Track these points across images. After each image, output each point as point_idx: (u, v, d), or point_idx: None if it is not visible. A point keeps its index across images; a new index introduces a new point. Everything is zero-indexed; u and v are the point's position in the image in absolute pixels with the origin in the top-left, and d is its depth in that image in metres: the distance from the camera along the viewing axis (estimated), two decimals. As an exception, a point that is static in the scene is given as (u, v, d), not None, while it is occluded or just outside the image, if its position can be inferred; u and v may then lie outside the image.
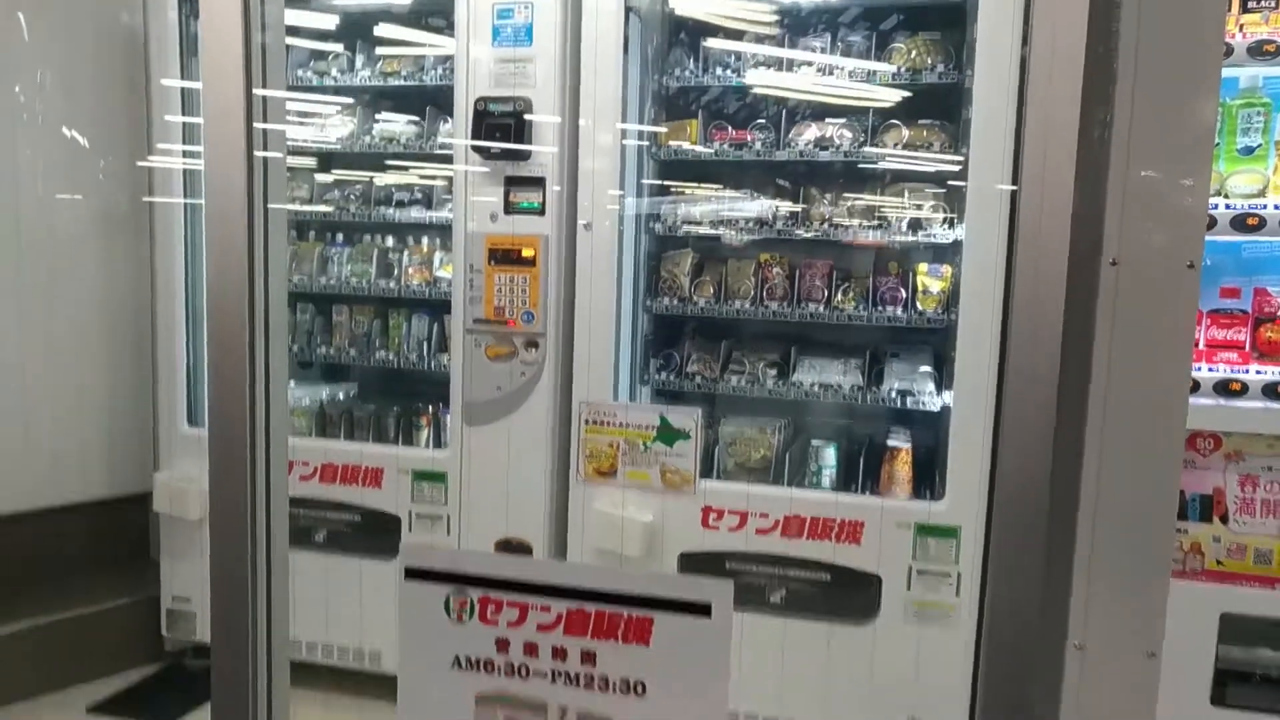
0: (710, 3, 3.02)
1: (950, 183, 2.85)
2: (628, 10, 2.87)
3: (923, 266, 2.89)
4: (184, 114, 3.29)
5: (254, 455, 1.66)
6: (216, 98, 1.42)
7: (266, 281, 1.60)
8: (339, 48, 3.41)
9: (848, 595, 2.75)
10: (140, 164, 3.53)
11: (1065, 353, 1.11)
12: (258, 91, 1.44)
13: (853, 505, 2.75)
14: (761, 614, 2.75)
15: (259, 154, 1.47)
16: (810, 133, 2.97)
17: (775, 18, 3.03)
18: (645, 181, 3.12)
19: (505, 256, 2.97)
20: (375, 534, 3.15)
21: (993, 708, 1.14)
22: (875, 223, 2.92)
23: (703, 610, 1.25)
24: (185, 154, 3.31)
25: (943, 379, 2.90)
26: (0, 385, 3.35)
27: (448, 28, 3.10)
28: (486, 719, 1.32)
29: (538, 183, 2.94)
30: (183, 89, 3.27)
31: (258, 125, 1.46)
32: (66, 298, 3.52)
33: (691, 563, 2.82)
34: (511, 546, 3.00)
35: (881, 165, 2.96)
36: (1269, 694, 2.68)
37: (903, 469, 2.84)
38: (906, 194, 2.95)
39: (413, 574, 1.35)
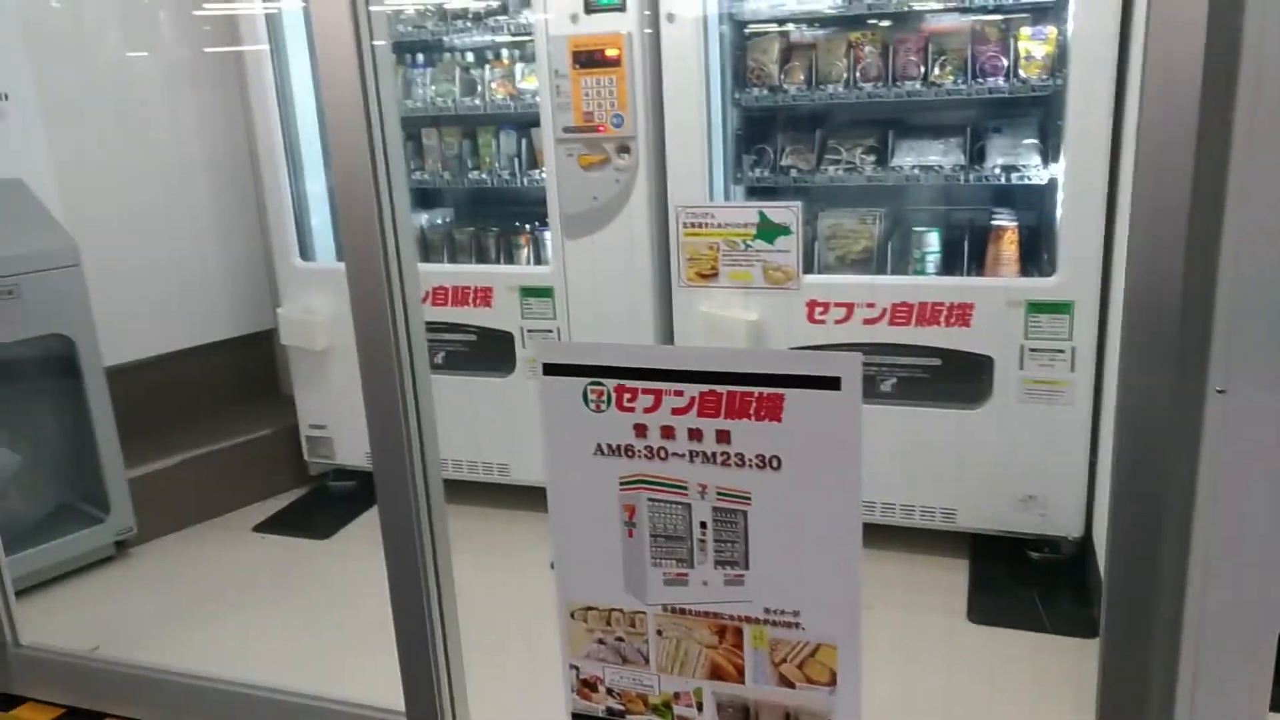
0: None
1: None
2: None
3: (1025, 30, 2.73)
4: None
5: (390, 280, 1.72)
6: None
7: (381, 108, 1.62)
8: None
9: (960, 378, 2.77)
10: (196, 13, 3.53)
11: (1203, 112, 1.05)
12: None
13: (961, 287, 2.73)
14: (875, 403, 2.80)
15: None
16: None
17: None
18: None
19: (590, 59, 2.90)
20: (490, 352, 3.27)
21: (1127, 455, 1.16)
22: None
23: (832, 384, 1.29)
24: None
25: (1049, 150, 2.78)
26: (122, 240, 3.49)
27: None
28: (630, 500, 1.40)
29: (617, -25, 2.83)
30: None
31: None
32: (169, 153, 3.62)
33: (799, 356, 2.85)
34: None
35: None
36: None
37: (1009, 249, 2.78)
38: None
39: (551, 369, 1.41)
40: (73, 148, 3.34)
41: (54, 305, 2.98)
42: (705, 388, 1.34)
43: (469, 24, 3.31)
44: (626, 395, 1.37)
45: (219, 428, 3.66)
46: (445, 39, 3.41)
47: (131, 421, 3.24)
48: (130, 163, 3.52)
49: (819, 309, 2.83)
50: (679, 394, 1.35)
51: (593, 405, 1.39)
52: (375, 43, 1.62)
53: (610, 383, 1.38)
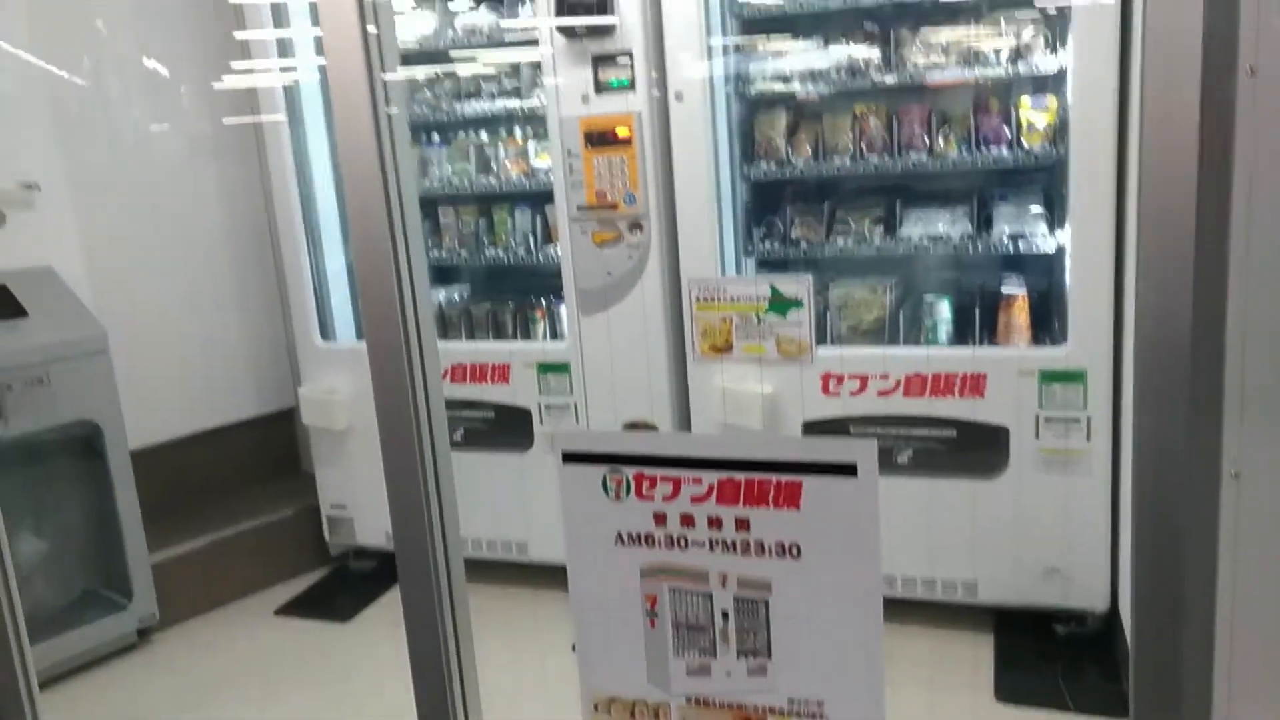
0: None
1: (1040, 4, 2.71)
2: None
3: (1025, 100, 2.78)
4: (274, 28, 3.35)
5: (410, 359, 1.75)
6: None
7: (400, 187, 1.66)
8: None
9: (976, 449, 2.77)
10: (217, 86, 3.63)
11: (1202, 175, 1.08)
12: None
13: (974, 357, 2.74)
14: (892, 475, 2.80)
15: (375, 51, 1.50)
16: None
17: None
18: (730, 40, 3.05)
19: (601, 138, 2.97)
20: (508, 428, 3.30)
21: (1145, 544, 1.16)
22: (972, 58, 2.81)
23: (848, 470, 1.30)
24: (282, 69, 3.39)
25: (1054, 218, 2.82)
26: (148, 321, 3.56)
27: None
28: (652, 590, 1.41)
29: (625, 57, 2.91)
30: (272, 4, 3.32)
31: (371, 29, 1.49)
32: (192, 227, 3.69)
33: (816, 430, 2.87)
34: (639, 428, 3.10)
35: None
36: None
37: (1020, 316, 2.80)
38: (1003, 23, 2.82)
39: (570, 458, 1.43)
40: (101, 231, 3.43)
41: (82, 392, 3.03)
42: (724, 475, 1.35)
43: (483, 103, 3.39)
44: (646, 483, 1.39)
45: (241, 508, 3.68)
46: (460, 118, 3.50)
47: (153, 503, 3.28)
48: (155, 240, 3.60)
49: (833, 381, 2.84)
50: (697, 481, 1.37)
51: (612, 494, 1.41)
52: (391, 110, 1.64)
53: (629, 470, 1.40)
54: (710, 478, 1.35)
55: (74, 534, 3.22)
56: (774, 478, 1.32)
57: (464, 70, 3.45)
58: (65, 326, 3.07)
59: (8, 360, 2.91)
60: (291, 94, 3.44)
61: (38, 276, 3.17)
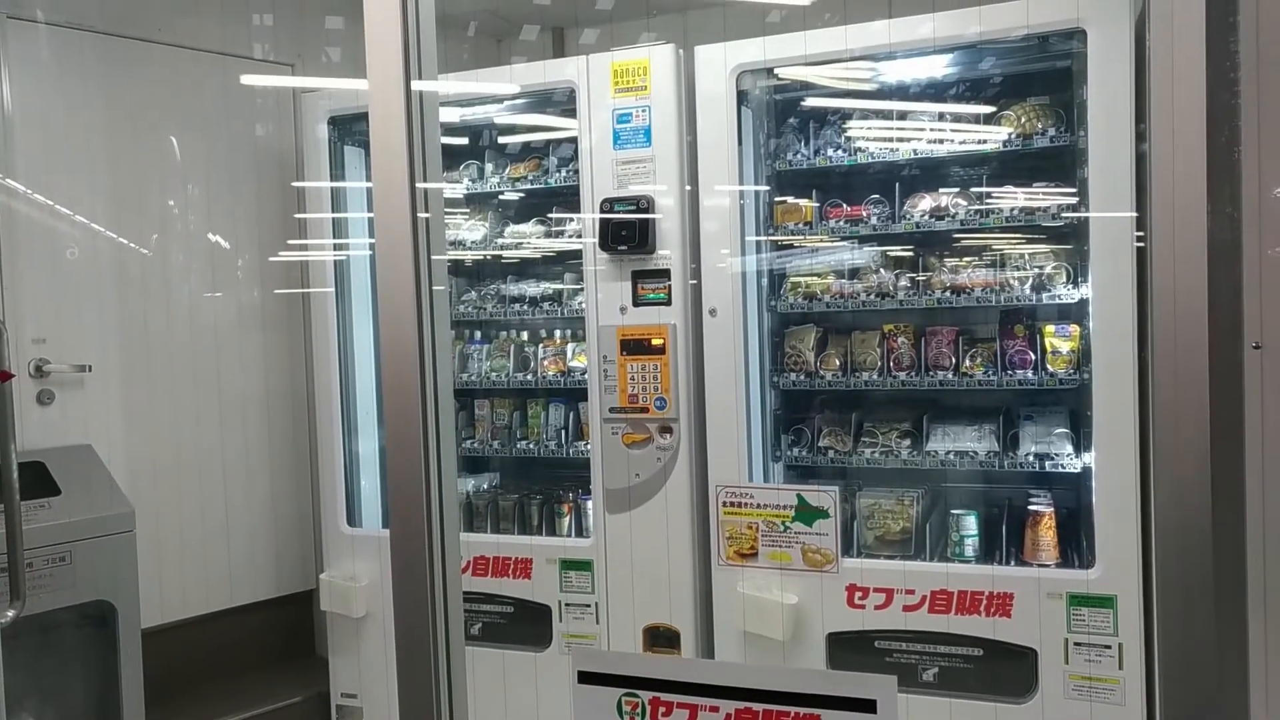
0: (815, 90, 3.11)
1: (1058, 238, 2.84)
2: (739, 104, 2.99)
3: (1049, 327, 2.87)
4: (332, 211, 3.58)
5: (432, 552, 1.77)
6: (385, 191, 1.58)
7: (436, 381, 1.73)
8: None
9: (1003, 671, 2.70)
10: (271, 259, 3.82)
11: (1215, 444, 1.12)
12: (420, 185, 1.59)
13: (1000, 576, 2.72)
14: (916, 693, 2.72)
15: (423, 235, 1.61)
16: (925, 204, 3.01)
17: (877, 89, 3.09)
18: (764, 260, 3.20)
19: (636, 346, 3.08)
20: (527, 624, 3.26)
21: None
22: (998, 286, 2.92)
23: (867, 706, 1.29)
24: (336, 247, 3.59)
25: (1080, 439, 2.85)
26: (177, 497, 3.62)
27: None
28: (664, 817, 1.37)
29: (663, 274, 3.05)
30: (331, 189, 3.56)
31: (421, 215, 1.60)
32: (233, 397, 3.79)
33: (841, 644, 2.82)
34: (660, 633, 3.06)
35: (999, 229, 2.97)
36: None
37: (1047, 534, 2.79)
38: (1027, 256, 2.95)
39: (586, 677, 1.43)
40: (142, 406, 3.53)
41: (103, 571, 3.03)
42: (741, 704, 1.34)
43: (525, 307, 3.55)
44: (662, 709, 1.38)
45: (250, 692, 3.61)
46: (502, 319, 3.65)
47: (163, 683, 3.22)
48: (194, 412, 3.67)
49: (858, 594, 2.82)
50: (714, 710, 1.36)
51: (627, 717, 1.39)
52: (436, 288, 1.72)
53: (645, 694, 1.39)
54: (728, 706, 1.34)
55: (74, 715, 3.16)
56: (792, 710, 1.31)
57: (511, 289, 3.63)
58: (95, 505, 3.11)
59: (33, 539, 2.93)
60: (342, 271, 3.61)
61: (76, 454, 3.25)
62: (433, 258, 1.65)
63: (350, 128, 3.56)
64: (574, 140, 3.20)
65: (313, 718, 3.60)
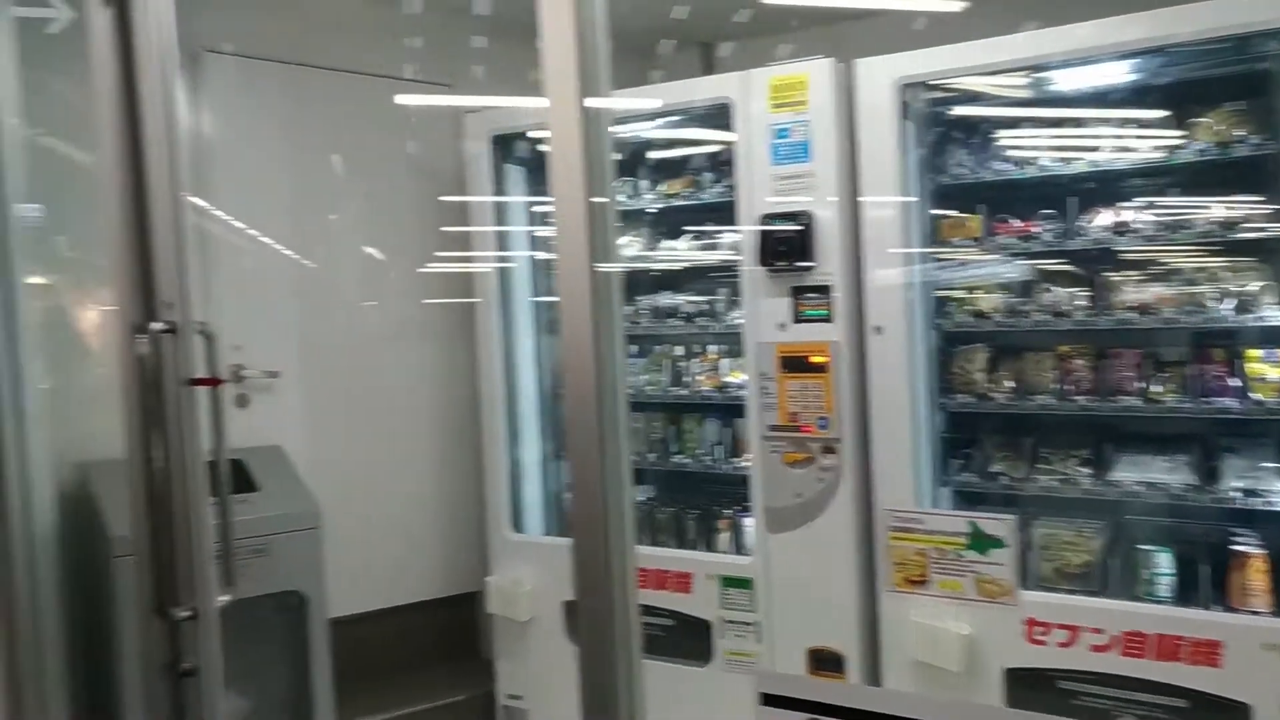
0: (982, 100, 2.97)
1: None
2: (903, 117, 2.88)
3: (1254, 352, 2.67)
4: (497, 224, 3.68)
5: (609, 561, 1.78)
6: (564, 206, 1.59)
7: (615, 389, 1.73)
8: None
9: (1215, 724, 2.52)
10: (420, 270, 3.92)
11: None
12: (595, 200, 1.59)
13: (1204, 621, 2.53)
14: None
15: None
16: (1104, 218, 2.84)
17: (1049, 98, 2.93)
18: (929, 277, 3.09)
19: (796, 364, 3.03)
20: (687, 639, 3.27)
21: None
22: (1191, 306, 2.73)
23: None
24: (500, 259, 3.69)
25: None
26: (353, 499, 3.79)
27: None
28: None
29: (824, 290, 2.99)
30: (495, 204, 3.66)
31: (596, 227, 1.61)
32: (401, 409, 3.94)
33: (1019, 680, 2.71)
34: (824, 656, 3.02)
35: (1191, 244, 2.77)
36: None
37: (1257, 578, 2.58)
38: (1223, 274, 2.75)
39: (769, 699, 1.42)
40: (322, 411, 3.71)
41: (295, 564, 3.23)
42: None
43: (679, 322, 3.54)
44: (844, 741, 1.35)
45: (419, 688, 3.77)
46: (656, 333, 3.65)
47: (336, 673, 3.39)
48: (367, 419, 3.83)
49: (1038, 629, 2.70)
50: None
51: (810, 744, 1.38)
52: (614, 331, 1.72)
53: (827, 722, 1.37)
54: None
55: (271, 697, 3.37)
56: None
57: (664, 300, 3.62)
58: (287, 502, 3.32)
59: (237, 532, 3.14)
60: (506, 282, 3.69)
61: (268, 454, 3.45)
62: (607, 267, 1.66)
63: (510, 146, 3.62)
64: (722, 154, 3.15)
65: (479, 717, 3.73)
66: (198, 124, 3.40)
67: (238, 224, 3.52)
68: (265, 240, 3.58)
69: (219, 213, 3.45)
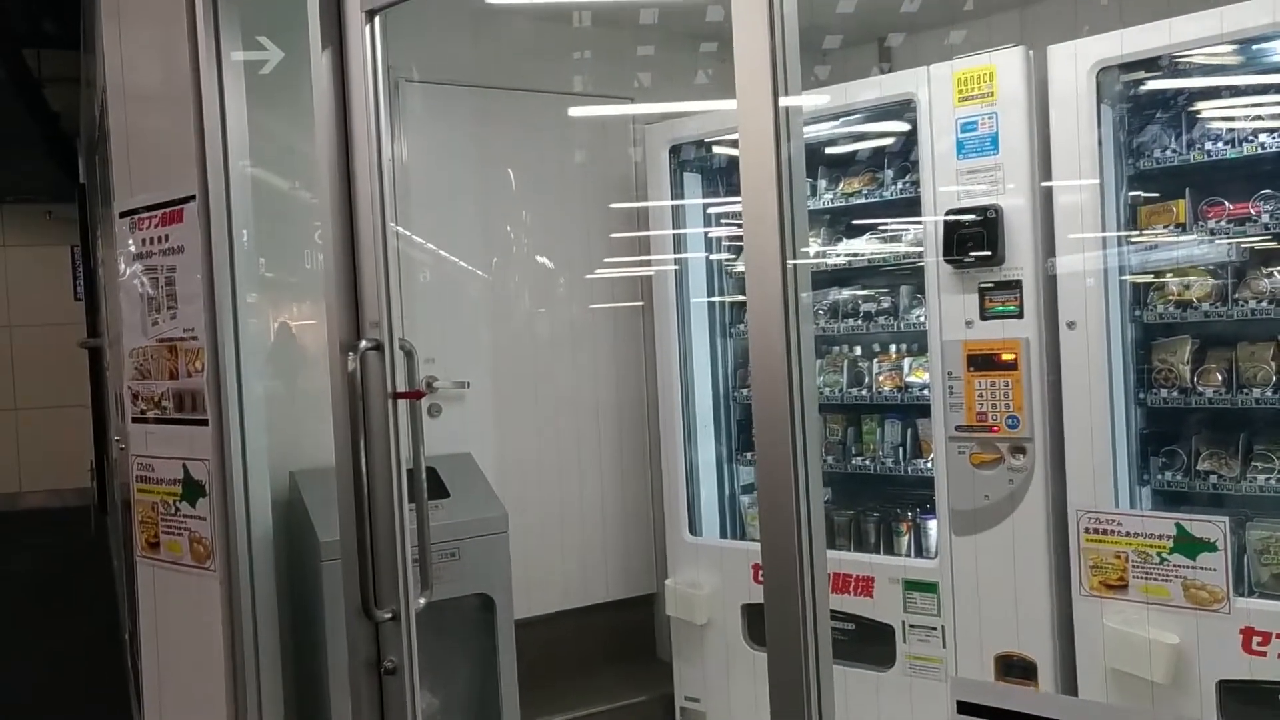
0: (1190, 76, 2.82)
1: None
2: (1099, 101, 2.78)
3: None
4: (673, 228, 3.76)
5: (800, 565, 1.77)
6: (755, 206, 1.60)
7: (803, 393, 1.73)
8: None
9: None
10: (587, 277, 4.02)
11: None
12: (786, 195, 1.60)
13: None
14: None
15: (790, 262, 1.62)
16: (1330, 197, 2.64)
17: (1265, 69, 2.75)
18: (1128, 267, 2.95)
19: (984, 362, 2.95)
20: (868, 643, 3.22)
21: None
22: None
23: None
24: (676, 261, 3.76)
25: None
26: (536, 504, 3.92)
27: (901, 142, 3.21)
28: None
29: (1013, 286, 2.90)
30: (673, 206, 3.74)
31: (787, 225, 1.62)
32: (581, 415, 4.06)
33: (1234, 694, 2.54)
34: (1014, 662, 2.91)
35: None
36: None
37: None
38: None
39: (965, 708, 1.39)
40: (508, 419, 3.87)
41: (484, 567, 3.36)
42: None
43: (859, 322, 3.50)
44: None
45: (599, 689, 3.85)
46: (835, 334, 3.63)
47: (520, 672, 3.50)
48: (549, 426, 3.98)
49: (1257, 639, 2.52)
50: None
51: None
52: (804, 329, 1.71)
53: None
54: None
55: (459, 697, 3.51)
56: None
57: (844, 297, 3.60)
58: (477, 508, 3.46)
59: (432, 536, 3.31)
60: (681, 283, 3.75)
61: (459, 462, 3.61)
62: (797, 264, 1.66)
63: (687, 154, 3.70)
64: (901, 149, 3.12)
65: (657, 716, 3.77)
66: (397, 152, 3.63)
67: (430, 245, 3.73)
68: (452, 257, 3.78)
69: (415, 237, 3.67)
